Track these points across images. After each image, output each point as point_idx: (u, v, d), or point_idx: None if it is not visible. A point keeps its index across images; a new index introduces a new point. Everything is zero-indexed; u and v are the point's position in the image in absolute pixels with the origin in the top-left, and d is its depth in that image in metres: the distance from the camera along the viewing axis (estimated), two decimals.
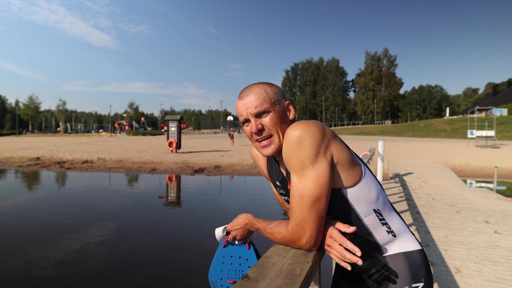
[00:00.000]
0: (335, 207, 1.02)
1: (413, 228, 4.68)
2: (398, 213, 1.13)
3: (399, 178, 9.68)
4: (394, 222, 1.07)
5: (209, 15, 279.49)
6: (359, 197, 1.01)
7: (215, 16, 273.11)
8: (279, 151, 1.06)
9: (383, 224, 1.04)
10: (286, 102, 1.09)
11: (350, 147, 1.09)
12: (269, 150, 1.05)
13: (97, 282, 4.17)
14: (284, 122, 1.06)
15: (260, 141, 1.05)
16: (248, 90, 1.06)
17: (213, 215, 7.51)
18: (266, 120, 1.03)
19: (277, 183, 1.21)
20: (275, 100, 1.05)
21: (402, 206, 6.11)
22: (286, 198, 1.21)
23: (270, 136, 1.04)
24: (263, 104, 1.03)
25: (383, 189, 1.11)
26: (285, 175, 1.15)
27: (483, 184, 12.08)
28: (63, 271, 4.43)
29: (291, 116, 1.09)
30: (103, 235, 5.95)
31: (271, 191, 9.91)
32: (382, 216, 1.04)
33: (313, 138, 0.93)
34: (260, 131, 1.04)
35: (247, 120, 1.06)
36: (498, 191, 9.81)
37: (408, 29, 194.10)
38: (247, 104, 1.04)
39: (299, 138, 0.93)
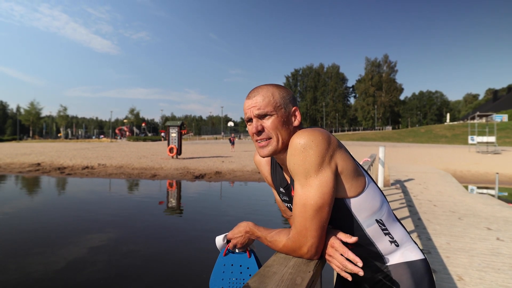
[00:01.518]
0: (337, 216, 1.01)
1: (414, 235, 4.65)
2: (400, 223, 1.12)
3: (400, 184, 9.65)
4: (397, 231, 1.06)
5: (209, 21, 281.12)
6: (362, 207, 1.00)
7: (216, 22, 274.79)
8: (275, 154, 1.06)
9: (385, 234, 1.03)
10: (293, 108, 1.08)
11: (353, 156, 1.08)
12: (265, 151, 1.05)
13: None
14: (286, 127, 1.05)
15: (259, 141, 1.06)
16: (256, 90, 1.07)
17: (213, 222, 7.48)
18: (268, 122, 1.04)
19: (281, 189, 1.20)
20: (280, 104, 1.05)
21: (403, 212, 6.09)
22: (289, 205, 1.20)
23: (269, 138, 1.04)
24: (267, 107, 1.03)
25: (386, 199, 1.11)
26: (289, 181, 1.15)
27: (485, 190, 12.05)
28: (62, 278, 4.40)
29: (295, 123, 1.08)
30: (102, 242, 5.93)
31: (272, 198, 9.89)
32: (384, 226, 1.04)
33: (318, 147, 0.93)
34: (259, 132, 1.04)
35: (250, 120, 1.07)
36: (499, 197, 9.76)
37: (408, 35, 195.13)
38: (252, 104, 1.05)
39: (304, 146, 0.93)
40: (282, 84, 1.15)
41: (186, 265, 4.94)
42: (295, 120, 1.08)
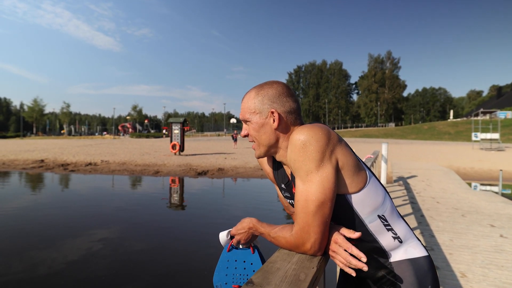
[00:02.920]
0: (339, 212, 1.01)
1: (417, 232, 4.64)
2: (404, 219, 1.12)
3: (403, 181, 9.63)
4: (400, 228, 1.06)
5: (212, 18, 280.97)
6: (364, 203, 1.00)
7: (218, 19, 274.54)
8: (263, 155, 1.13)
9: (388, 229, 1.03)
10: (270, 111, 1.07)
11: (354, 151, 1.08)
12: (255, 154, 1.15)
13: (99, 284, 4.17)
14: (264, 132, 1.09)
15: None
16: (244, 95, 1.13)
17: (216, 219, 7.50)
18: (249, 127, 1.12)
19: (282, 185, 1.20)
20: (255, 110, 1.09)
21: (406, 209, 6.08)
22: (291, 201, 1.20)
23: (254, 141, 1.13)
24: (245, 114, 1.11)
25: (389, 195, 1.11)
26: (290, 178, 1.15)
27: (488, 187, 12.00)
28: (65, 273, 4.43)
29: (274, 125, 1.07)
30: (106, 238, 5.96)
31: (274, 194, 9.90)
32: (387, 222, 1.03)
33: (318, 143, 0.92)
34: (247, 135, 1.14)
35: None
36: (503, 195, 9.73)
37: (411, 31, 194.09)
38: (241, 108, 1.13)
39: (304, 142, 0.93)
40: (284, 82, 1.16)
41: (189, 261, 4.97)
42: (274, 123, 1.07)
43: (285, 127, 1.08)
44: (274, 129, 1.08)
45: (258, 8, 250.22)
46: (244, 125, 1.15)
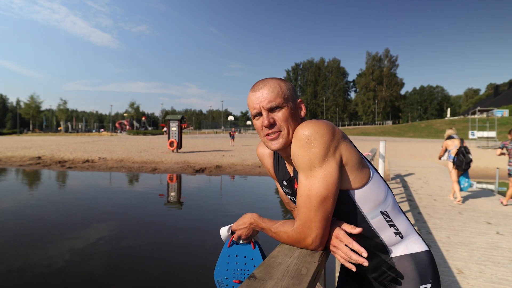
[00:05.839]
0: (342, 208, 1.01)
1: None
2: (405, 214, 1.12)
3: (400, 178, 9.67)
4: (401, 223, 1.06)
5: (210, 15, 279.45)
6: (366, 199, 1.00)
7: (216, 16, 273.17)
8: (286, 147, 1.05)
9: (390, 225, 1.03)
10: (299, 100, 1.10)
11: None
12: (277, 144, 1.04)
13: (97, 281, 4.17)
14: (295, 119, 1.05)
15: (269, 135, 1.04)
16: (263, 83, 1.05)
17: (214, 215, 7.51)
18: (279, 115, 1.03)
19: (284, 182, 1.20)
20: (288, 96, 1.05)
21: (403, 206, 6.11)
22: (292, 197, 1.20)
23: (280, 131, 1.03)
24: (276, 99, 1.02)
25: (391, 191, 1.11)
26: (292, 174, 1.15)
27: (485, 185, 12.06)
28: (63, 271, 4.43)
29: (302, 114, 1.09)
30: (103, 235, 5.96)
31: (273, 191, 9.92)
32: (389, 217, 1.03)
33: (323, 138, 0.93)
34: (272, 125, 1.02)
35: (259, 114, 1.05)
36: (499, 192, 9.78)
37: (409, 30, 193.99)
38: (260, 98, 1.03)
39: (308, 137, 0.93)
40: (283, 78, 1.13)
41: (188, 257, 4.97)
42: (301, 112, 1.09)
43: (302, 119, 1.09)
44: (301, 118, 1.08)
45: (256, 5, 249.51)
46: (267, 114, 1.03)
